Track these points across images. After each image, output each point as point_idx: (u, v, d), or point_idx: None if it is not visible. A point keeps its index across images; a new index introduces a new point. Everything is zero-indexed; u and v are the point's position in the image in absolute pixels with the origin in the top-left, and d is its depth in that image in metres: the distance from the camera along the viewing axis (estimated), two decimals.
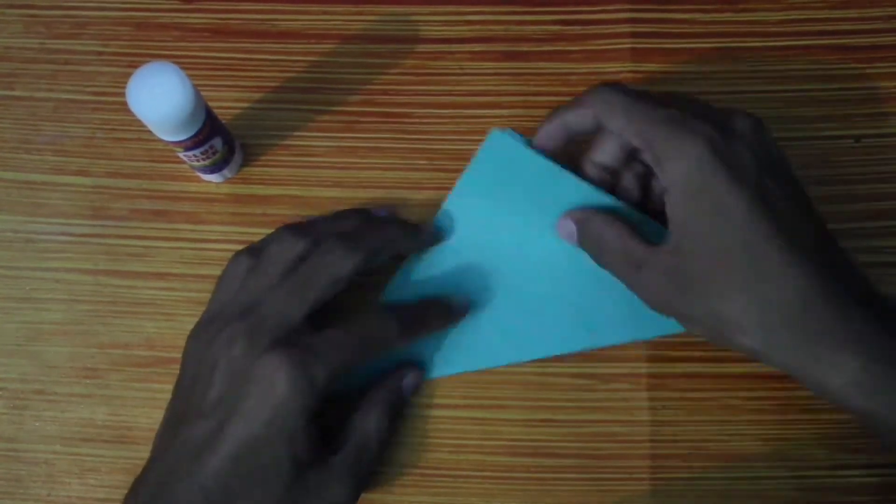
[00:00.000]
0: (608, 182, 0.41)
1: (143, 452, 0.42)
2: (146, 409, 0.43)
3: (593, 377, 0.43)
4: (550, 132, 0.40)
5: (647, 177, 0.41)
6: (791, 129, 0.46)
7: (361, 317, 0.39)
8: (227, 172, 0.45)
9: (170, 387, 0.43)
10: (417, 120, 0.46)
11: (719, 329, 0.36)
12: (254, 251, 0.40)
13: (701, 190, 0.36)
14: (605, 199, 0.41)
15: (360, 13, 0.48)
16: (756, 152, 0.36)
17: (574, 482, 0.42)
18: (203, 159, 0.42)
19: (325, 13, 0.48)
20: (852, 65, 0.47)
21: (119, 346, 0.44)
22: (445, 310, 0.42)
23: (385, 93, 0.47)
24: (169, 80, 0.38)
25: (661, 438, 0.42)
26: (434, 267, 0.43)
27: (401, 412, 0.42)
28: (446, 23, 0.48)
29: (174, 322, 0.44)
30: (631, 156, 0.41)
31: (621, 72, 0.47)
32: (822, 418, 0.42)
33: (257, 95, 0.47)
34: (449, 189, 0.45)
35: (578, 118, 0.39)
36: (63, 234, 0.45)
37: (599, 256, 0.40)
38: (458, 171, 0.45)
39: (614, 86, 0.39)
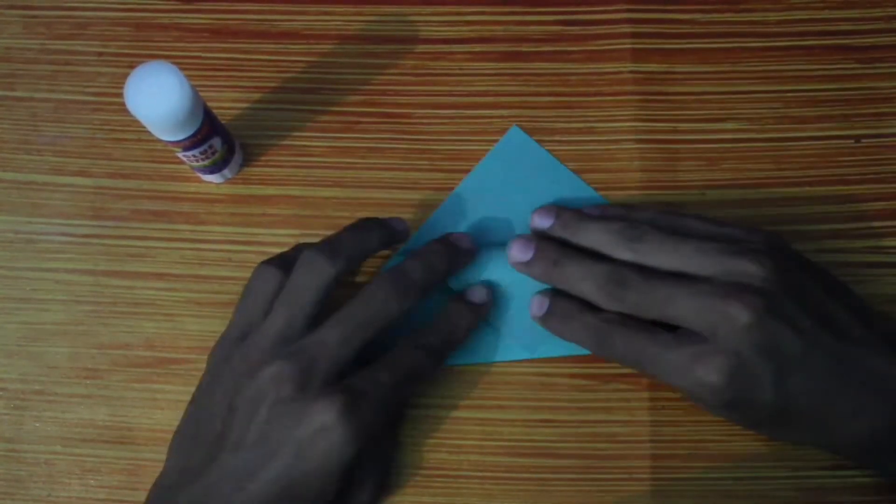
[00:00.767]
0: None
1: (144, 453, 0.43)
2: (146, 410, 0.43)
3: (593, 377, 0.43)
4: None
5: None
6: (791, 129, 0.46)
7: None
8: (226, 173, 0.45)
9: (170, 387, 0.43)
10: (417, 120, 0.46)
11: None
12: (282, 264, 0.39)
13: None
14: (597, 196, 0.43)
15: (360, 13, 0.48)
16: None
17: (574, 482, 0.42)
18: (202, 159, 0.42)
19: (324, 13, 0.48)
20: (852, 65, 0.47)
21: (119, 347, 0.44)
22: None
23: (385, 93, 0.47)
24: (166, 79, 0.38)
25: (661, 438, 0.42)
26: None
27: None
28: (446, 23, 0.48)
29: (174, 322, 0.44)
30: None
31: (621, 72, 0.47)
32: None
33: (257, 96, 0.47)
34: (449, 189, 0.45)
35: None
36: (63, 234, 0.45)
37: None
38: (458, 171, 0.45)
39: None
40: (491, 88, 0.47)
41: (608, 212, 0.42)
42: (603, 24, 0.47)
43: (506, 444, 0.42)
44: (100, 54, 0.48)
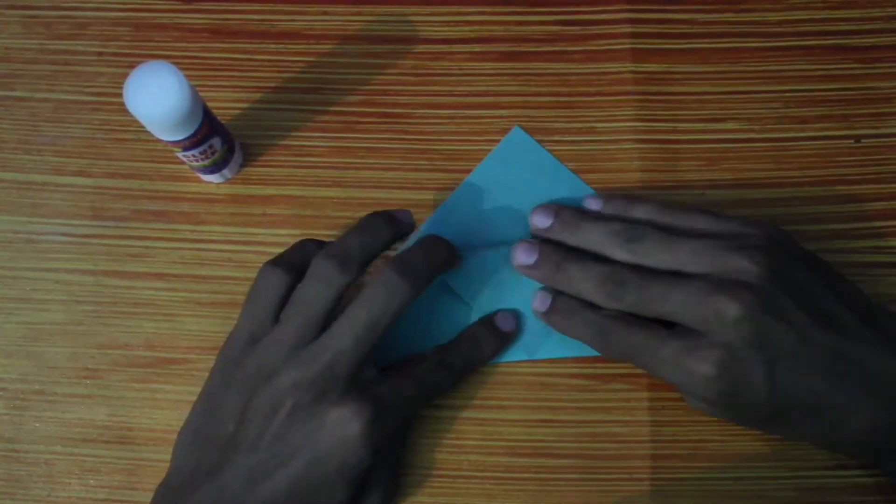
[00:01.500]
0: None
1: (144, 453, 0.42)
2: (146, 410, 0.43)
3: (593, 377, 0.43)
4: None
5: None
6: (791, 129, 0.46)
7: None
8: (226, 173, 0.45)
9: (170, 387, 0.43)
10: (417, 120, 0.46)
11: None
12: (288, 267, 0.39)
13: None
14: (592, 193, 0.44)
15: (360, 13, 0.48)
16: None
17: (574, 482, 0.42)
18: (202, 159, 0.42)
19: (324, 13, 0.48)
20: (852, 65, 0.47)
21: (119, 347, 0.44)
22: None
23: (385, 93, 0.47)
24: (166, 79, 0.38)
25: (661, 438, 0.42)
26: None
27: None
28: (446, 23, 0.48)
29: (174, 322, 0.44)
30: None
31: (621, 72, 0.47)
32: None
33: (257, 95, 0.47)
34: (449, 189, 0.45)
35: None
36: (63, 234, 0.45)
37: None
38: (458, 171, 0.45)
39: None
40: (491, 88, 0.47)
41: (608, 208, 0.42)
42: (603, 24, 0.47)
43: (506, 444, 0.42)
44: (100, 54, 0.48)
